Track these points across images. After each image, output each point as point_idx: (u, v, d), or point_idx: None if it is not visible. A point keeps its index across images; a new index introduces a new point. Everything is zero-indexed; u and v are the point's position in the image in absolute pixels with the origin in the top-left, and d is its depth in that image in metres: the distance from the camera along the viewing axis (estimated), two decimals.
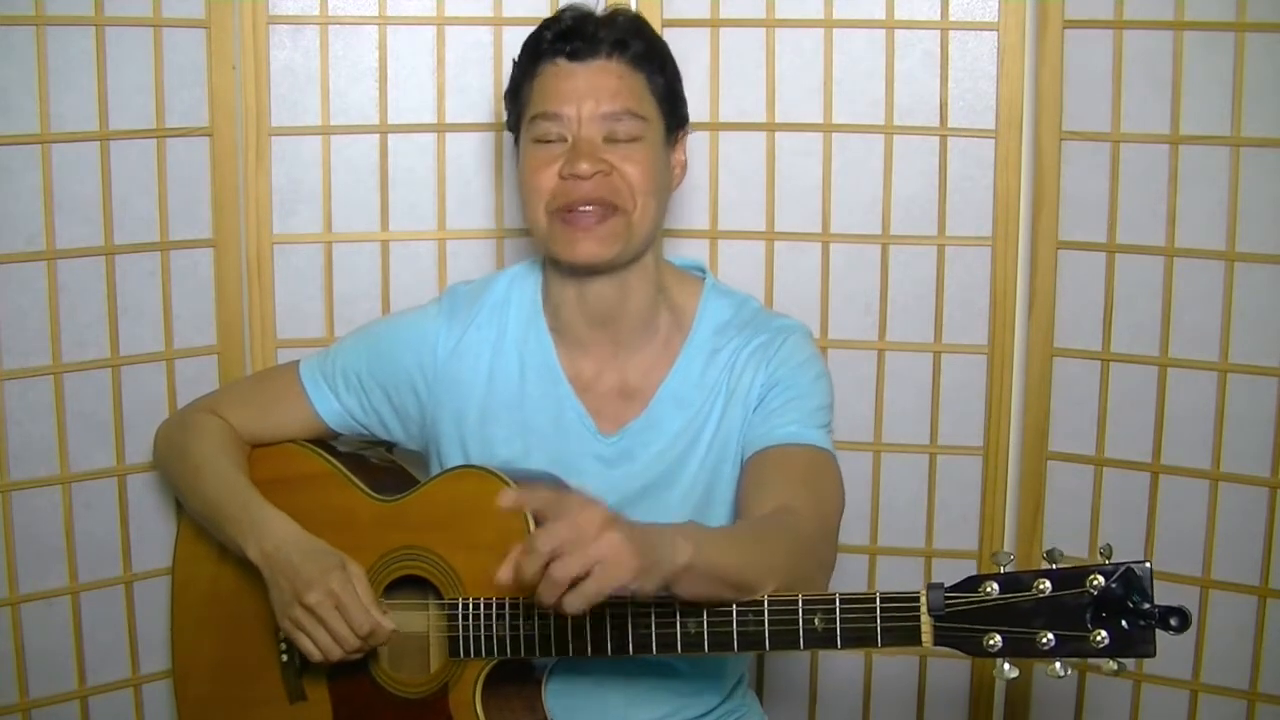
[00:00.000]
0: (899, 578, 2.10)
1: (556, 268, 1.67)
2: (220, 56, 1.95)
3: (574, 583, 1.22)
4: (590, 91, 1.60)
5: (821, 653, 2.17)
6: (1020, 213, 2.02)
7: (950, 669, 2.14)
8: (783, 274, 2.09)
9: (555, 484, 1.61)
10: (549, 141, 1.61)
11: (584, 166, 1.58)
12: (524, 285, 1.74)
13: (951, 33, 2.00)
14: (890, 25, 2.01)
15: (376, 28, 2.01)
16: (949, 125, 2.02)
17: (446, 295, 1.76)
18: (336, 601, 1.51)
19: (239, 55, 1.96)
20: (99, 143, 1.88)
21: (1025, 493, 2.08)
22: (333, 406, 1.76)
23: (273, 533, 1.59)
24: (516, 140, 1.69)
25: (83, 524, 1.94)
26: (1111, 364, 2.02)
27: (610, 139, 1.60)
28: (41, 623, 1.93)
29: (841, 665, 2.17)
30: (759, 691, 2.16)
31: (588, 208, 1.59)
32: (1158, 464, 2.01)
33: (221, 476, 1.68)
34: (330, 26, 2.00)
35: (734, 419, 1.65)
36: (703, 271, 1.77)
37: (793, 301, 2.05)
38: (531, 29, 1.68)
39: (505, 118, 1.73)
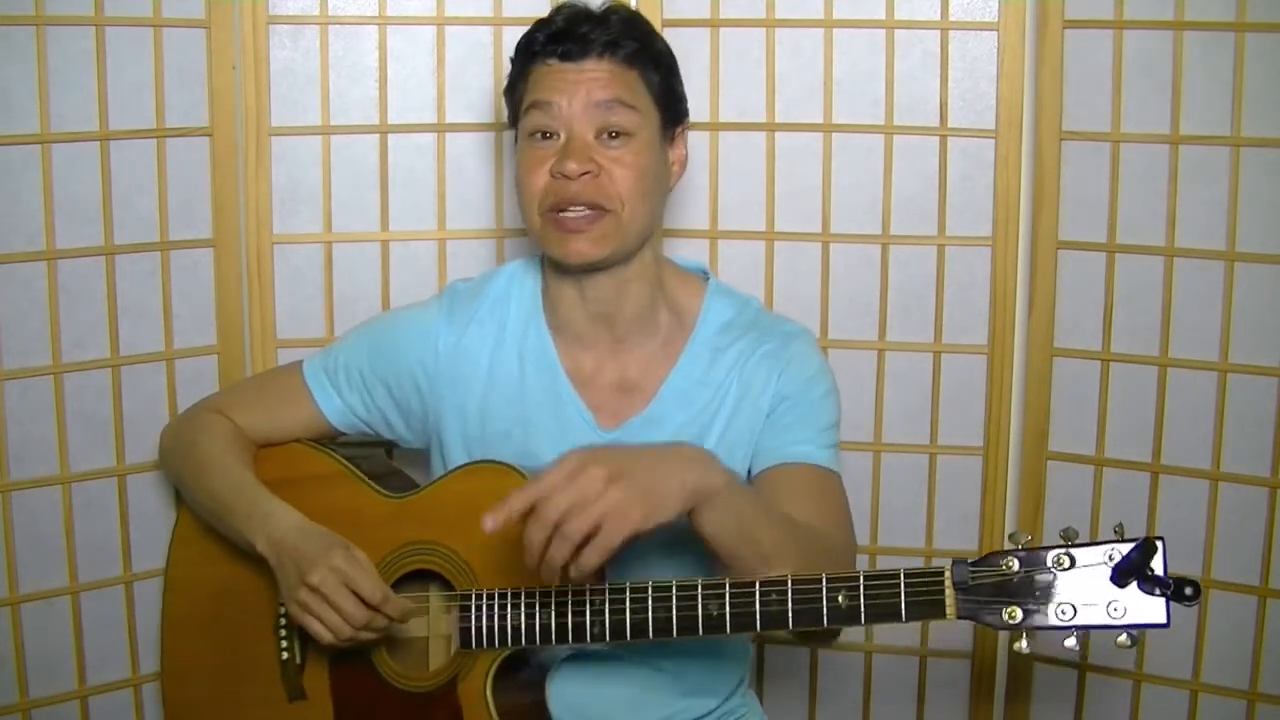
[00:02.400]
0: None
1: (555, 266, 1.68)
2: (220, 56, 1.95)
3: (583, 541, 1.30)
4: (582, 81, 1.60)
5: (822, 651, 2.17)
6: (1020, 213, 2.02)
7: (950, 668, 2.14)
8: (783, 274, 2.09)
9: None
10: (543, 136, 1.62)
11: (572, 166, 1.58)
12: (523, 281, 1.74)
13: (951, 33, 2.00)
14: (890, 25, 2.01)
15: (376, 28, 2.01)
16: (949, 125, 2.02)
17: (446, 292, 1.76)
18: (342, 578, 1.51)
19: (239, 55, 1.96)
20: (99, 143, 1.88)
21: (1025, 493, 2.08)
22: (335, 404, 1.76)
23: (279, 522, 1.59)
24: (517, 138, 1.70)
25: (83, 524, 1.94)
26: (1111, 364, 2.02)
27: (602, 133, 1.60)
28: (41, 623, 1.93)
29: (842, 663, 2.17)
30: (759, 691, 2.16)
31: (579, 209, 1.60)
32: (1158, 464, 2.01)
33: (229, 473, 1.68)
34: (330, 26, 2.00)
35: (744, 419, 1.66)
36: (706, 273, 1.78)
37: (793, 301, 2.06)
38: None
39: (506, 115, 1.73)
